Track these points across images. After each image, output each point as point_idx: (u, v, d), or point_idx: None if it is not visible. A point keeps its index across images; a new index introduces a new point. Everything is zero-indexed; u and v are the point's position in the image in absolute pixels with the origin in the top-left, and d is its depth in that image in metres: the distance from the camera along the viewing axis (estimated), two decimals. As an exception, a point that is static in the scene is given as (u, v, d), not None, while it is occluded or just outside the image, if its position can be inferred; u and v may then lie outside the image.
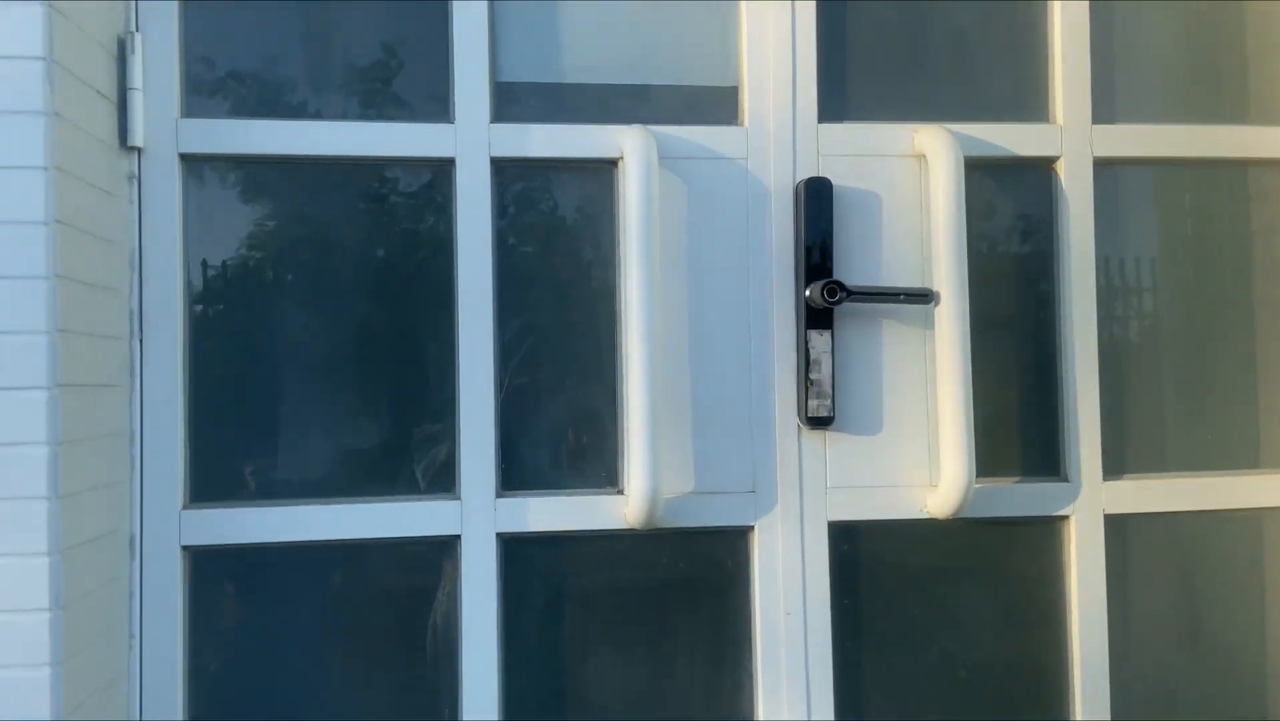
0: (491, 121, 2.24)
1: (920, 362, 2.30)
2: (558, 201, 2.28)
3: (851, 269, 2.28)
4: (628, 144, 2.19)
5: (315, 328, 2.21)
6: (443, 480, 2.21)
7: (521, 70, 2.28)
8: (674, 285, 2.25)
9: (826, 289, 2.19)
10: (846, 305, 2.22)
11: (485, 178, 2.22)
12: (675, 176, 2.27)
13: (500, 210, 2.25)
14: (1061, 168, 2.37)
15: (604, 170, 2.27)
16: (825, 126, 2.30)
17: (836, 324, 2.26)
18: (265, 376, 2.19)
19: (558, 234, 2.27)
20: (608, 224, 2.26)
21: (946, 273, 2.23)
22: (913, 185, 2.32)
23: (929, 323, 2.29)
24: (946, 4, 2.38)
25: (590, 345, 2.27)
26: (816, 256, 2.25)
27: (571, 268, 2.27)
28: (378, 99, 2.25)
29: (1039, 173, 2.38)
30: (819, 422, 2.25)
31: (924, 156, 2.30)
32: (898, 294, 2.24)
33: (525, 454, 2.24)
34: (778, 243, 2.27)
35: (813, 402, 2.24)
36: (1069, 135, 2.37)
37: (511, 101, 2.27)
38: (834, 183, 2.27)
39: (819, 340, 2.25)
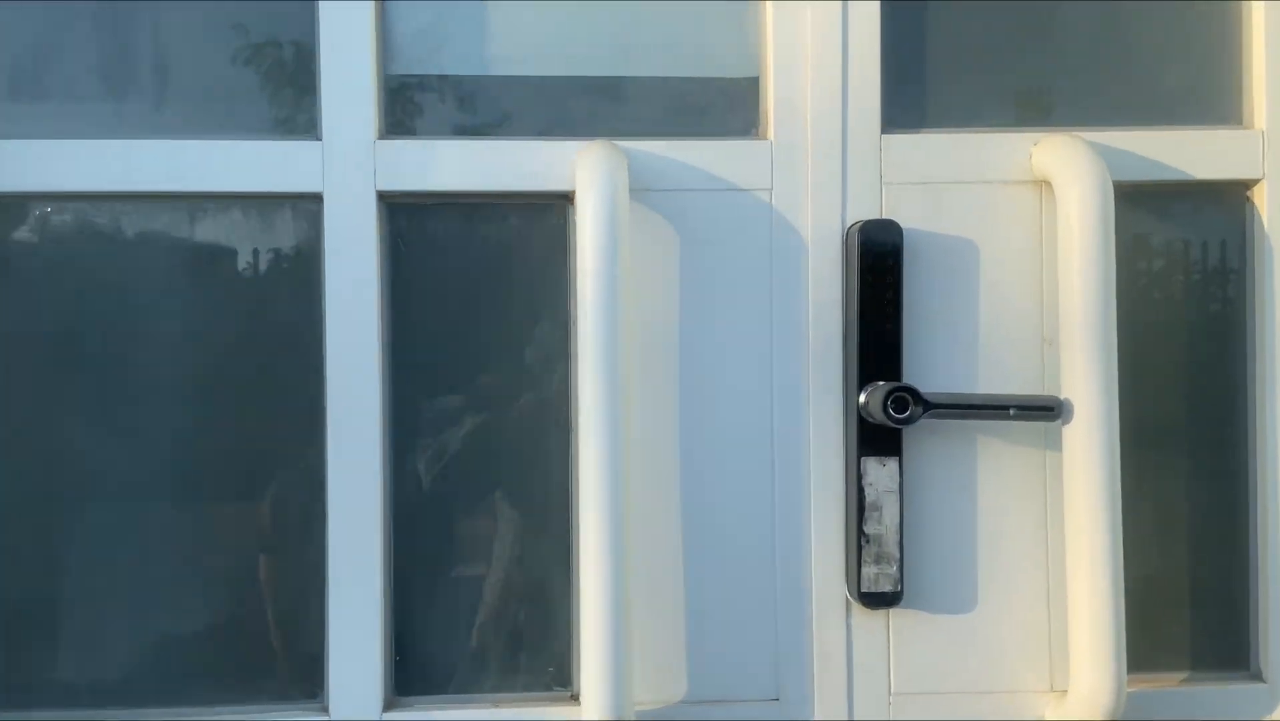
0: (380, 137, 1.47)
1: (1037, 501, 1.50)
2: (485, 258, 1.50)
3: (931, 362, 1.48)
4: (583, 170, 1.41)
5: (114, 454, 1.47)
6: (304, 683, 1.47)
7: (428, 57, 1.50)
8: (656, 385, 1.48)
9: (892, 399, 1.40)
10: (924, 421, 1.42)
11: (369, 223, 1.46)
12: (660, 217, 1.48)
13: (394, 274, 1.48)
14: (1262, 195, 1.54)
15: (555, 208, 1.50)
16: (893, 138, 1.50)
17: (907, 446, 1.47)
18: (44, 528, 1.46)
19: (483, 308, 1.50)
20: (560, 289, 1.49)
21: (1085, 366, 1.42)
22: (1029, 227, 1.51)
23: (1052, 441, 1.48)
24: (1083, -55, 1.56)
25: (535, 475, 1.50)
26: (876, 344, 1.45)
27: (505, 359, 1.50)
28: (211, 105, 1.49)
29: (1225, 203, 1.55)
30: (879, 600, 1.46)
31: (1047, 182, 1.49)
32: (1005, 406, 1.43)
33: (428, 640, 1.49)
34: (816, 321, 1.48)
35: (869, 570, 1.45)
36: (1275, 146, 1.54)
37: (412, 106, 1.50)
38: (904, 226, 1.47)
39: (879, 473, 1.45)
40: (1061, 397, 1.43)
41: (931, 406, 1.40)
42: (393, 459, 1.48)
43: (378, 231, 1.46)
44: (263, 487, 1.48)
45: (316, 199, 1.46)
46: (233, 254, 1.48)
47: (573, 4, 1.50)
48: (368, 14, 1.46)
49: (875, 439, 1.45)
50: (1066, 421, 1.42)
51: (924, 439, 1.48)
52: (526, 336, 1.50)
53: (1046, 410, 1.42)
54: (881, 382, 1.43)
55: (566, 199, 1.48)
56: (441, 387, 1.49)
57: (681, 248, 1.49)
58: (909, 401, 1.39)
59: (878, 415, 1.41)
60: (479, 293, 1.50)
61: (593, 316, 1.38)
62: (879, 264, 1.45)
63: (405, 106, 1.49)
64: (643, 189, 1.47)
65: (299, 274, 1.47)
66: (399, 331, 1.48)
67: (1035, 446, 1.50)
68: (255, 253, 1.48)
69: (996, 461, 1.49)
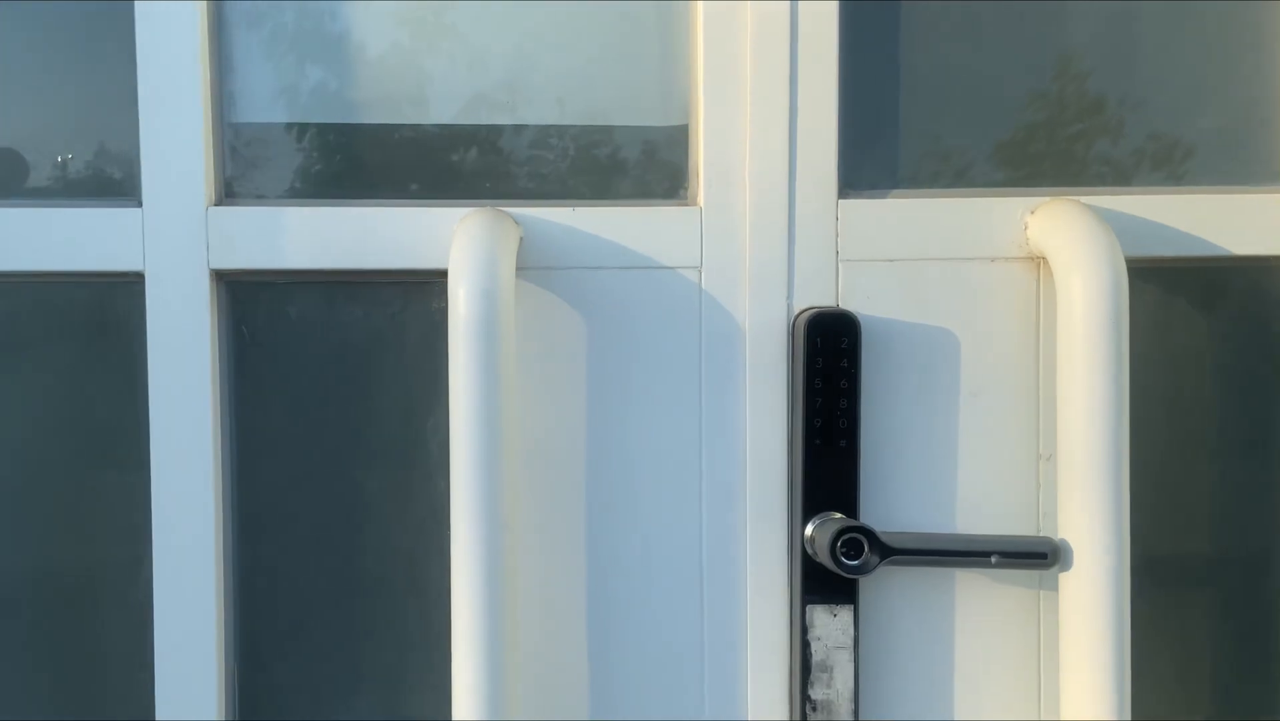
0: (215, 203, 1.19)
1: (1028, 661, 1.21)
2: (350, 348, 1.23)
3: (896, 486, 1.19)
4: (458, 247, 1.13)
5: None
6: None
7: (278, 102, 1.22)
8: (557, 507, 1.20)
9: (843, 543, 1.11)
10: (883, 569, 1.14)
11: (202, 308, 1.18)
12: (562, 302, 1.20)
13: (236, 369, 1.21)
14: (1313, 275, 1.24)
15: (436, 287, 1.21)
16: (853, 204, 1.21)
17: (864, 591, 1.19)
18: None
19: (348, 407, 1.22)
20: (443, 384, 1.21)
21: (1089, 496, 1.13)
22: (1023, 315, 1.22)
23: (1049, 582, 1.20)
24: (1094, -39, 1.26)
25: (410, 608, 1.23)
26: (826, 464, 1.16)
27: (374, 469, 1.23)
28: (7, 163, 1.21)
29: (1267, 284, 1.25)
30: (827, 782, 1.18)
31: (1043, 259, 1.20)
32: (985, 551, 1.14)
33: (279, 819, 1.23)
34: (755, 431, 1.20)
35: (816, 745, 1.17)
36: (1332, 214, 1.24)
37: (258, 161, 1.22)
38: (865, 315, 1.19)
39: (829, 625, 1.17)
40: (1058, 539, 1.14)
41: (892, 552, 1.12)
42: (235, 590, 1.21)
43: (213, 317, 1.19)
44: (76, 629, 1.21)
45: (138, 279, 1.18)
46: (37, 345, 1.21)
47: (458, 35, 1.22)
48: (197, 47, 1.18)
49: (824, 582, 1.16)
50: (1065, 568, 1.13)
51: (886, 581, 1.19)
52: (401, 441, 1.22)
53: (1038, 557, 1.12)
54: (835, 515, 1.15)
55: (442, 275, 1.19)
56: (296, 505, 1.22)
57: (590, 339, 1.20)
58: (863, 545, 1.11)
59: (825, 559, 1.12)
60: (343, 389, 1.22)
61: (464, 429, 1.09)
62: (832, 362, 1.16)
63: (248, 164, 1.21)
64: (541, 266, 1.19)
65: (118, 370, 1.20)
66: (243, 437, 1.21)
67: (1028, 588, 1.21)
68: (66, 344, 1.21)
69: (978, 609, 1.20)
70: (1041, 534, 1.21)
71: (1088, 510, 1.13)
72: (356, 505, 1.22)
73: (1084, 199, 1.21)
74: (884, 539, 1.11)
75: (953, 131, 1.23)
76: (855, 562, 1.11)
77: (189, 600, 1.18)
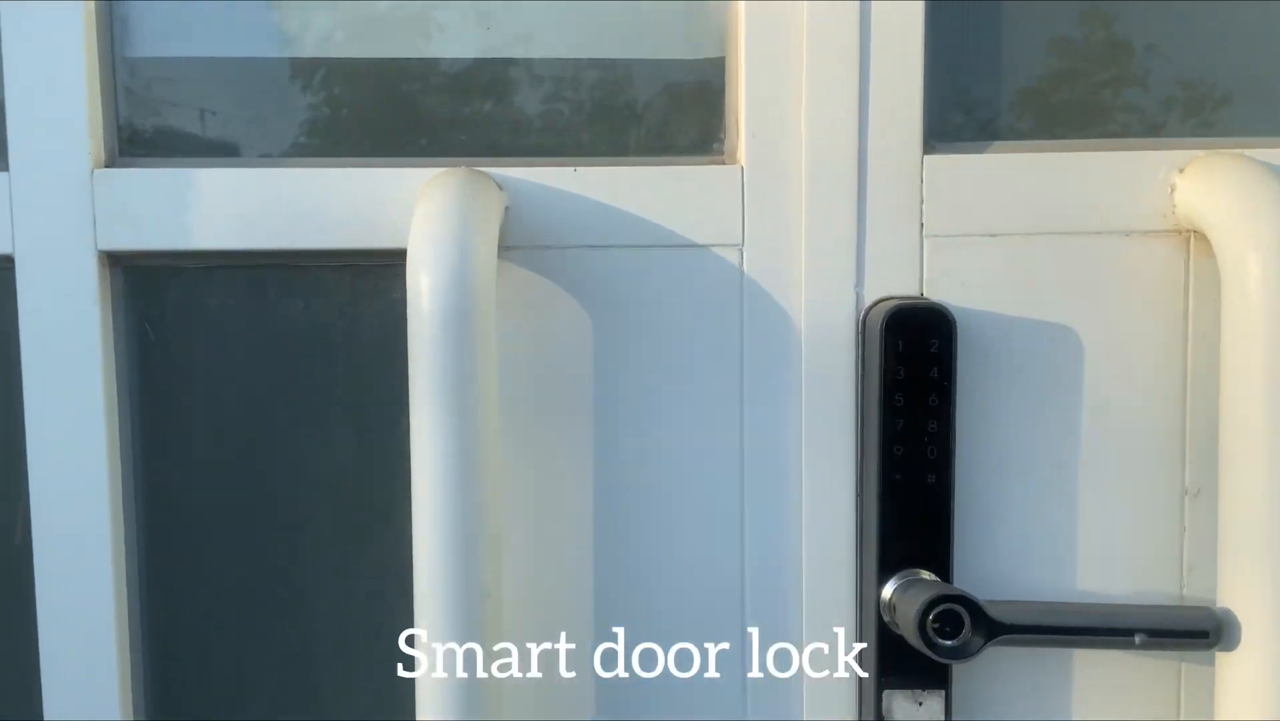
0: (104, 164, 0.91)
1: (1169, 754, 0.94)
2: (288, 348, 0.95)
3: (999, 534, 0.91)
4: (419, 222, 0.84)
5: None
6: None
7: (190, 30, 0.94)
8: (553, 565, 0.92)
9: (936, 617, 0.83)
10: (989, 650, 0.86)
11: (89, 300, 0.90)
12: (561, 293, 0.92)
13: (141, 377, 0.94)
14: None
15: (397, 271, 0.93)
16: (943, 161, 0.91)
17: (958, 671, 0.91)
18: None
19: (284, 425, 0.95)
20: (406, 397, 0.94)
21: (1263, 547, 0.84)
22: (1167, 308, 0.93)
23: (1196, 659, 0.92)
24: None
25: (368, 659, 0.96)
26: (909, 504, 0.88)
27: (323, 504, 0.95)
28: None
29: None
30: None
31: (1200, 234, 0.91)
32: (1128, 631, 0.86)
33: None
34: (813, 459, 0.91)
35: None
36: None
37: (162, 108, 0.94)
38: (959, 308, 0.90)
39: (914, 715, 0.89)
40: (1219, 609, 0.85)
41: (1002, 630, 0.83)
42: (145, 669, 0.94)
43: (104, 312, 0.91)
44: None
45: (5, 263, 0.91)
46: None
47: (427, -59, 0.93)
48: (78, -39, 0.89)
49: (906, 661, 0.88)
50: (1228, 648, 0.85)
51: (986, 659, 0.91)
52: (353, 468, 0.95)
53: (1198, 636, 0.84)
54: (922, 575, 0.87)
55: (402, 256, 0.91)
56: (219, 552, 0.94)
57: (596, 341, 0.92)
58: (964, 621, 0.83)
59: (911, 635, 0.84)
60: (276, 403, 0.94)
61: (428, 458, 0.82)
62: (917, 371, 0.88)
63: (149, 112, 0.93)
64: (532, 245, 0.91)
65: (-19, 383, 0.93)
66: (150, 463, 0.94)
67: (1168, 661, 0.93)
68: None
69: (1103, 692, 0.92)
70: (1186, 591, 0.92)
71: (1261, 570, 0.84)
72: (297, 545, 0.94)
73: (1248, 152, 0.92)
74: (991, 612, 0.83)
75: (1077, 60, 0.93)
76: (952, 644, 0.83)
77: (80, 616, 0.92)
